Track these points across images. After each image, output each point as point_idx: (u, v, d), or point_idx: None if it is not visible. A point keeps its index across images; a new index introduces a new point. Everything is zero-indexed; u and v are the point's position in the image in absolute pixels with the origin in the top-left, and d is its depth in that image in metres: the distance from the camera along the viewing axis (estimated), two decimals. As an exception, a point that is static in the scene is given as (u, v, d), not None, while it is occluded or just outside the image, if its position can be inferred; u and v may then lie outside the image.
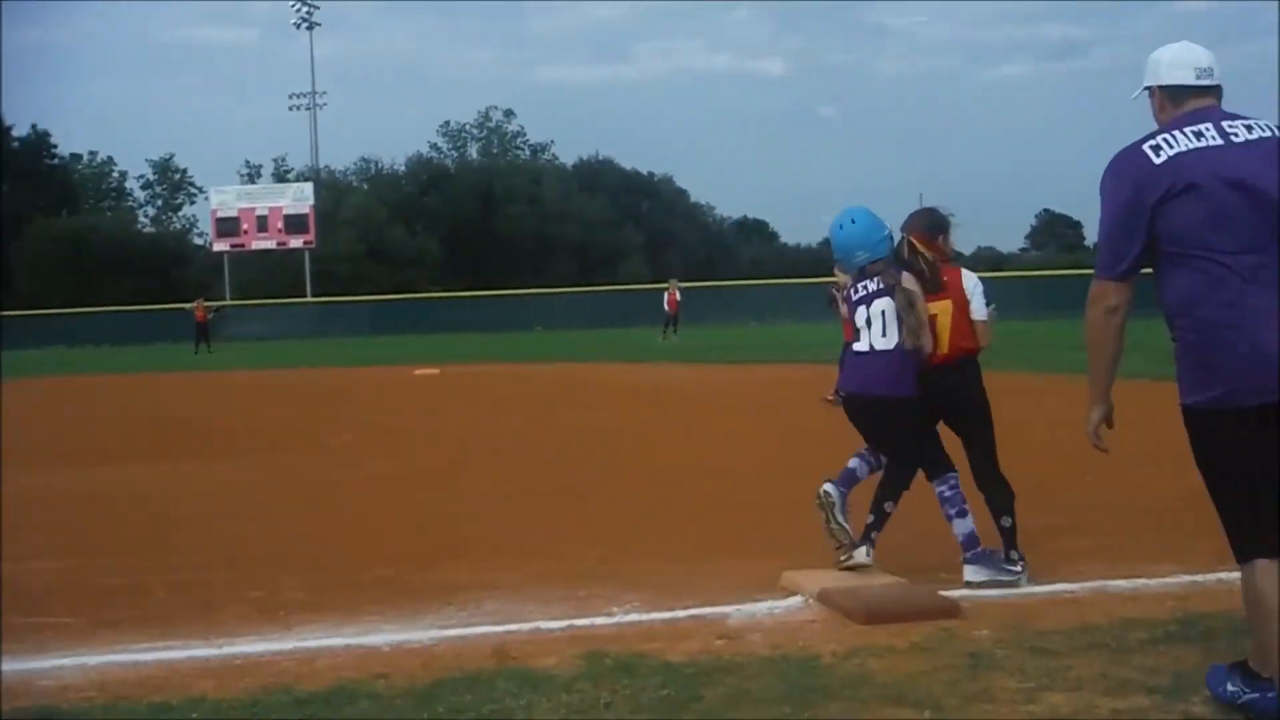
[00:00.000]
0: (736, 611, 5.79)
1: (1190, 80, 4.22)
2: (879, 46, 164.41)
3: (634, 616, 5.79)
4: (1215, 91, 4.25)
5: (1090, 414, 4.38)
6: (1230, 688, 4.15)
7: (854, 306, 6.42)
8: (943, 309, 6.27)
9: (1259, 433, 3.93)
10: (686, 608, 5.89)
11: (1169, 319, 4.12)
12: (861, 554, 6.27)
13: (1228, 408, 3.95)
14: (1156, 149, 4.11)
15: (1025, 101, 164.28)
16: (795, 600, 5.95)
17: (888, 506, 6.37)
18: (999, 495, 6.27)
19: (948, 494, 6.26)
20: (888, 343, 6.23)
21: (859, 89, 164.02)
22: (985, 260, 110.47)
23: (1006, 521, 6.23)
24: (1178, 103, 4.25)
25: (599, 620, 5.75)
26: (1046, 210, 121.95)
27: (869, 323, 6.31)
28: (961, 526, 6.23)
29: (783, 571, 6.33)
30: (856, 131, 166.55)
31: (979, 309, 6.34)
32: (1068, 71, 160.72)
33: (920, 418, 6.34)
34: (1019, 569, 6.15)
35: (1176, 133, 4.13)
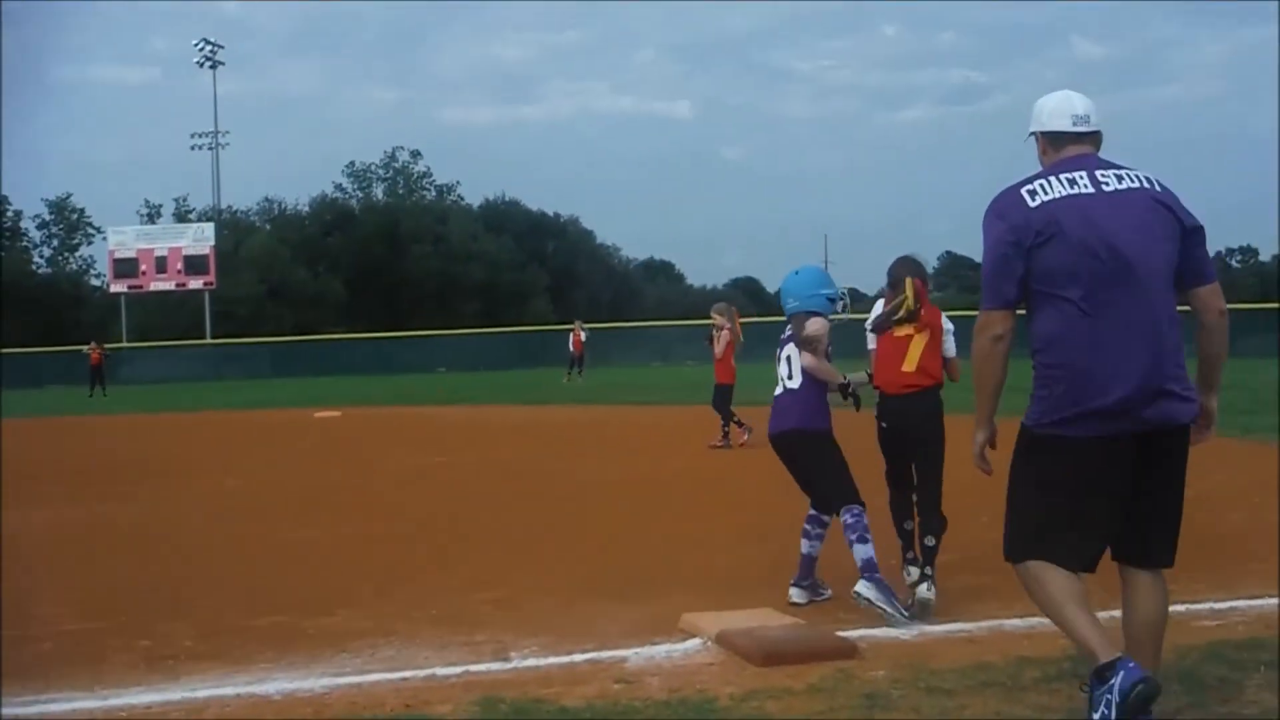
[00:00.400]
0: (635, 655, 5.76)
1: (1068, 127, 4.54)
2: (784, 89, 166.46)
3: (531, 661, 5.74)
4: (1094, 138, 4.58)
5: (975, 436, 4.65)
6: (1102, 710, 4.11)
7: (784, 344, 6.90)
8: (919, 337, 6.74)
9: (1099, 462, 4.26)
10: (584, 651, 5.85)
11: (1032, 351, 4.41)
12: (924, 590, 6.44)
13: (1067, 436, 4.28)
14: (1032, 193, 4.38)
15: (927, 144, 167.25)
16: (694, 642, 5.93)
17: (907, 524, 6.72)
18: (934, 521, 6.61)
19: (851, 521, 6.45)
20: (794, 383, 6.75)
21: (764, 131, 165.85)
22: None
23: (930, 541, 6.56)
24: (1058, 148, 4.55)
25: (495, 665, 5.68)
26: (948, 252, 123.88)
27: (782, 365, 6.85)
28: (862, 552, 6.37)
29: (682, 613, 6.31)
30: (762, 173, 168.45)
31: (950, 348, 6.89)
32: (969, 115, 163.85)
33: (833, 449, 6.68)
34: (907, 614, 6.24)
35: (1052, 178, 4.40)
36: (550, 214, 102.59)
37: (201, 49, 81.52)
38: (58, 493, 13.80)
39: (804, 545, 6.78)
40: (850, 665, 5.42)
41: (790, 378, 6.76)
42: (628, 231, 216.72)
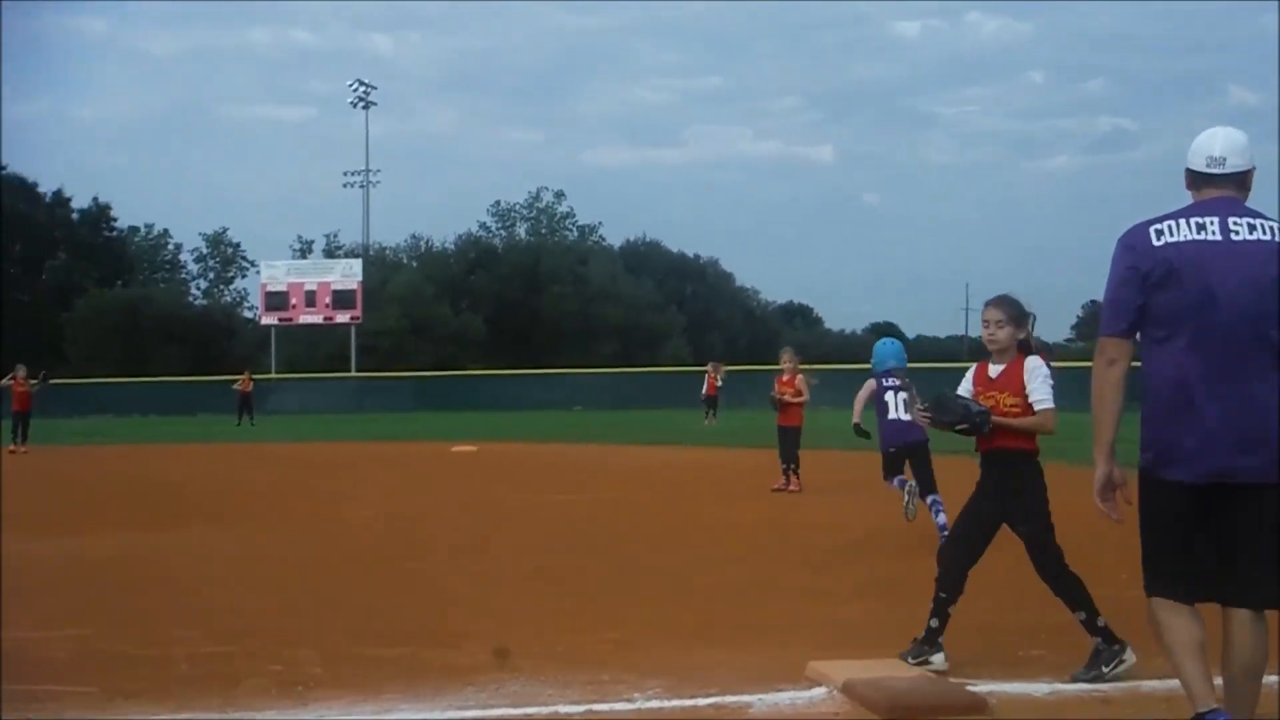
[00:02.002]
0: (759, 701, 5.71)
1: (1202, 168, 4.52)
2: (927, 136, 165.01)
3: (654, 703, 5.71)
4: (1238, 180, 4.52)
5: (1096, 472, 4.67)
6: None
7: (884, 391, 11.17)
8: (1004, 395, 6.48)
9: (1190, 504, 4.45)
10: (708, 695, 5.80)
11: (1144, 388, 4.52)
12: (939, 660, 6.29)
13: (1170, 478, 4.46)
14: (1159, 232, 4.46)
15: (1072, 193, 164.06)
16: (819, 691, 5.85)
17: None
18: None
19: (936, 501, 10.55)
20: (901, 414, 10.55)
21: (905, 177, 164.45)
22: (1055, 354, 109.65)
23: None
24: (1198, 187, 4.60)
25: (619, 706, 5.67)
26: (1093, 301, 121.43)
27: (896, 404, 10.84)
28: (943, 519, 10.01)
29: (808, 661, 6.23)
30: (902, 219, 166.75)
31: (1036, 396, 6.43)
32: (1117, 163, 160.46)
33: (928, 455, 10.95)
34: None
35: (1182, 221, 4.46)
36: (690, 255, 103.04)
37: (355, 89, 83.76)
38: (199, 516, 14.18)
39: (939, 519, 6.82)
40: (979, 720, 5.30)
41: (900, 409, 10.64)
42: (767, 275, 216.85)
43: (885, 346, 11.60)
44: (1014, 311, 6.51)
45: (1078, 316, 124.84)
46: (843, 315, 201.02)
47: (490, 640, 7.07)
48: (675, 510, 14.45)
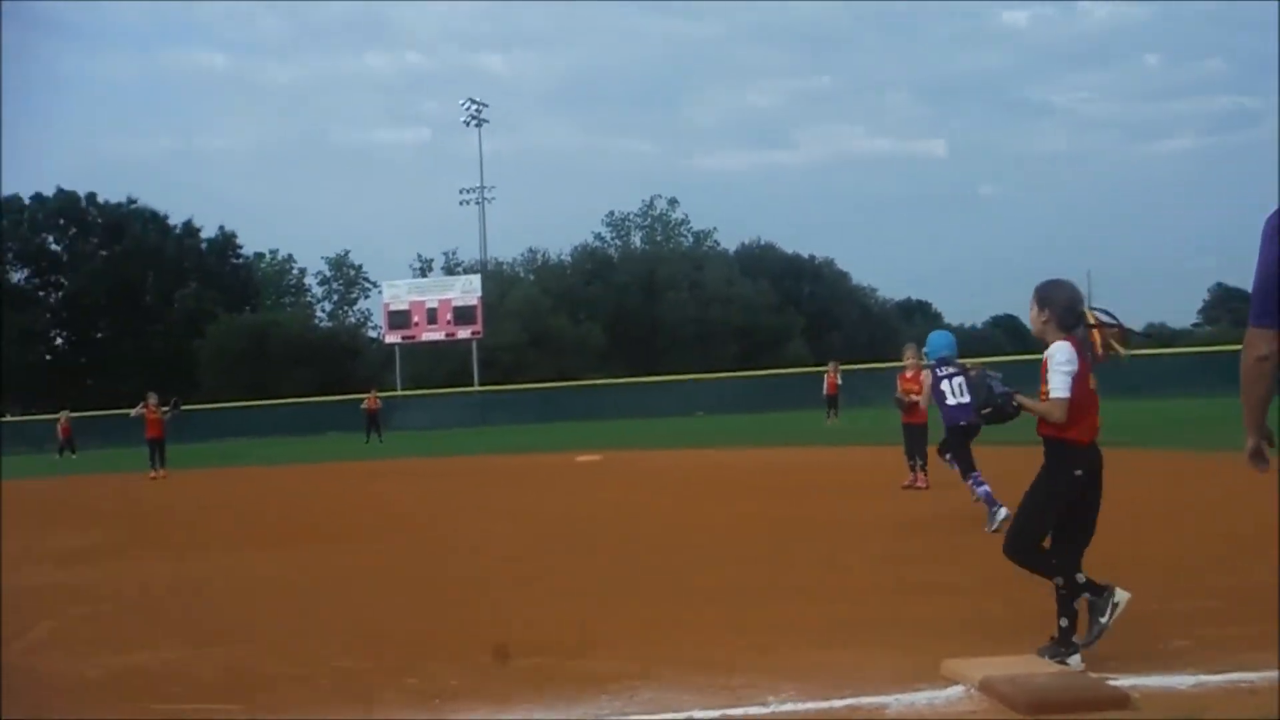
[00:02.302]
0: (895, 701, 5.66)
1: None
2: (1041, 125, 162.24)
3: (789, 706, 5.69)
4: None
5: (1247, 444, 4.56)
6: None
7: (939, 380, 12.54)
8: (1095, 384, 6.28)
9: None
10: (843, 697, 5.77)
11: None
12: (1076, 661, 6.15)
13: None
14: None
15: (1194, 174, 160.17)
16: (956, 690, 5.78)
17: (1080, 577, 6.23)
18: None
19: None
20: (964, 398, 11.83)
21: (1021, 167, 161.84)
22: (1156, 336, 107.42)
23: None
24: None
25: (754, 710, 5.66)
26: (1220, 284, 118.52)
27: (954, 389, 12.26)
28: (982, 490, 11.75)
29: (943, 660, 6.16)
30: (1018, 210, 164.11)
31: (1054, 387, 6.22)
32: (1237, 143, 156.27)
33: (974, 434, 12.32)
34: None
35: None
36: (806, 256, 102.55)
37: (468, 108, 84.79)
38: (334, 535, 14.45)
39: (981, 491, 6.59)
40: (1122, 716, 5.20)
41: (961, 393, 11.98)
42: (884, 272, 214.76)
43: (938, 338, 12.93)
44: (1040, 294, 6.36)
45: (1204, 300, 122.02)
46: (962, 309, 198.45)
47: (623, 647, 7.10)
48: (801, 510, 14.37)
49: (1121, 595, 6.03)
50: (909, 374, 16.13)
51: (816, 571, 9.77)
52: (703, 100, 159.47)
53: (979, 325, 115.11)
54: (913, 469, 15.90)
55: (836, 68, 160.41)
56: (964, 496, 14.60)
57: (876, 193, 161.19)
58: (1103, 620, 6.03)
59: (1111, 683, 5.70)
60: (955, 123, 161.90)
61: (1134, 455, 18.55)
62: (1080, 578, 6.07)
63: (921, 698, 5.71)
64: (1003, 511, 11.05)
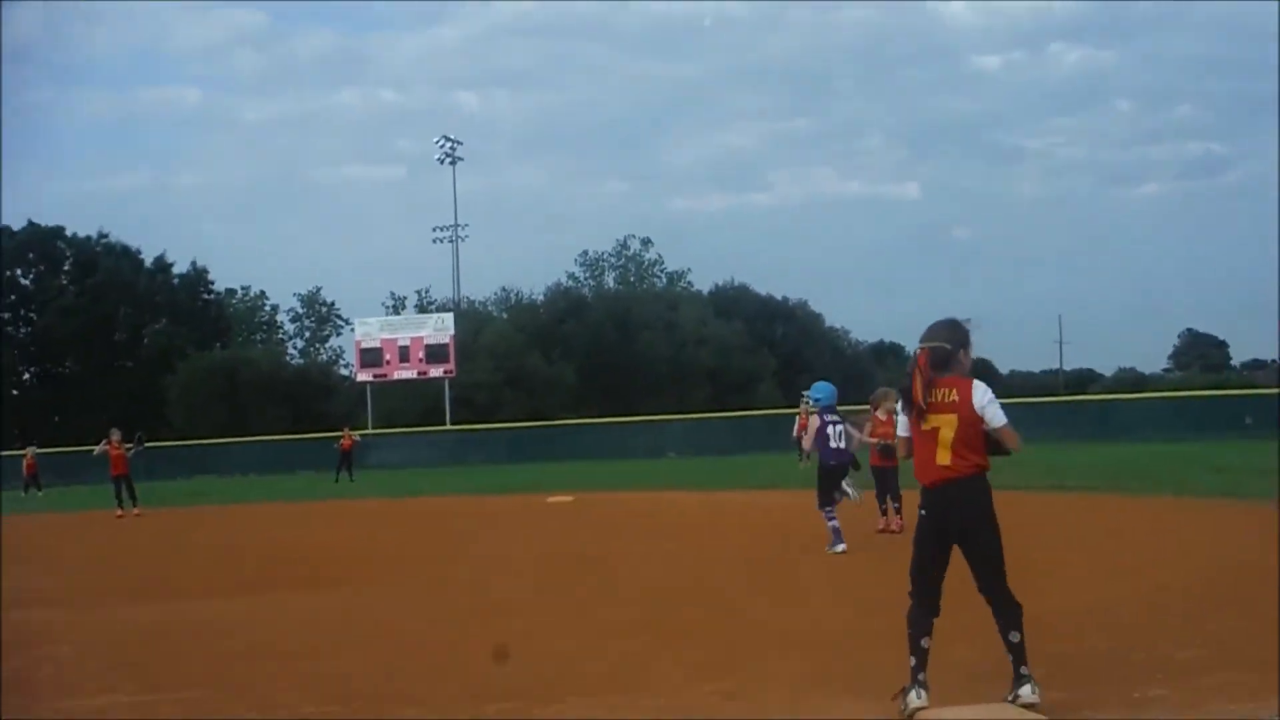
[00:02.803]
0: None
1: None
2: (1014, 169, 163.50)
3: (761, 756, 5.61)
4: None
5: None
6: None
7: (825, 425, 14.31)
8: (946, 422, 6.31)
9: None
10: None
11: None
12: (1027, 692, 6.19)
13: None
14: None
15: (1166, 219, 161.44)
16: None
17: (924, 642, 6.41)
18: (1007, 611, 6.33)
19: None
20: (840, 443, 14.21)
21: (994, 210, 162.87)
22: (1126, 381, 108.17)
23: (1015, 637, 6.25)
24: None
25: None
26: (1190, 330, 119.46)
27: (835, 436, 14.28)
28: (832, 524, 13.86)
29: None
30: (992, 253, 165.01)
31: (996, 417, 6.33)
32: (1209, 189, 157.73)
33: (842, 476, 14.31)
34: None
35: None
36: (779, 298, 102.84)
37: (442, 145, 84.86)
38: (302, 579, 14.30)
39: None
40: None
41: (839, 439, 14.30)
42: (857, 315, 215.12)
43: (824, 388, 14.74)
44: (963, 335, 6.56)
45: (1174, 345, 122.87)
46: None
47: (596, 694, 7.00)
48: (774, 556, 14.31)
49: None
50: (884, 418, 16.09)
51: (789, 617, 9.71)
52: (678, 141, 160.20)
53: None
54: (884, 512, 15.89)
55: (813, 110, 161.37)
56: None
57: (851, 235, 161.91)
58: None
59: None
60: (929, 166, 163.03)
61: (1108, 500, 18.59)
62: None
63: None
64: (840, 547, 13.60)
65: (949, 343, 6.44)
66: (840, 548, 13.55)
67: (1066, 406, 57.42)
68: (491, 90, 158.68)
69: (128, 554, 18.76)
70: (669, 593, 11.61)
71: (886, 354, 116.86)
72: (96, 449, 29.69)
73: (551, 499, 26.62)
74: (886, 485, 15.99)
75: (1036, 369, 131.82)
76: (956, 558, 6.29)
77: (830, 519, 13.99)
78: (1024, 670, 6.17)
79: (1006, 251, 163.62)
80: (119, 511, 27.77)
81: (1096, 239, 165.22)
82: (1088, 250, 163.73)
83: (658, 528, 18.91)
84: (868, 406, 16.49)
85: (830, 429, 14.28)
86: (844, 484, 14.37)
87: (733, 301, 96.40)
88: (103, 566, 16.95)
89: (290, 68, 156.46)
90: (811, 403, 15.42)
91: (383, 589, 13.01)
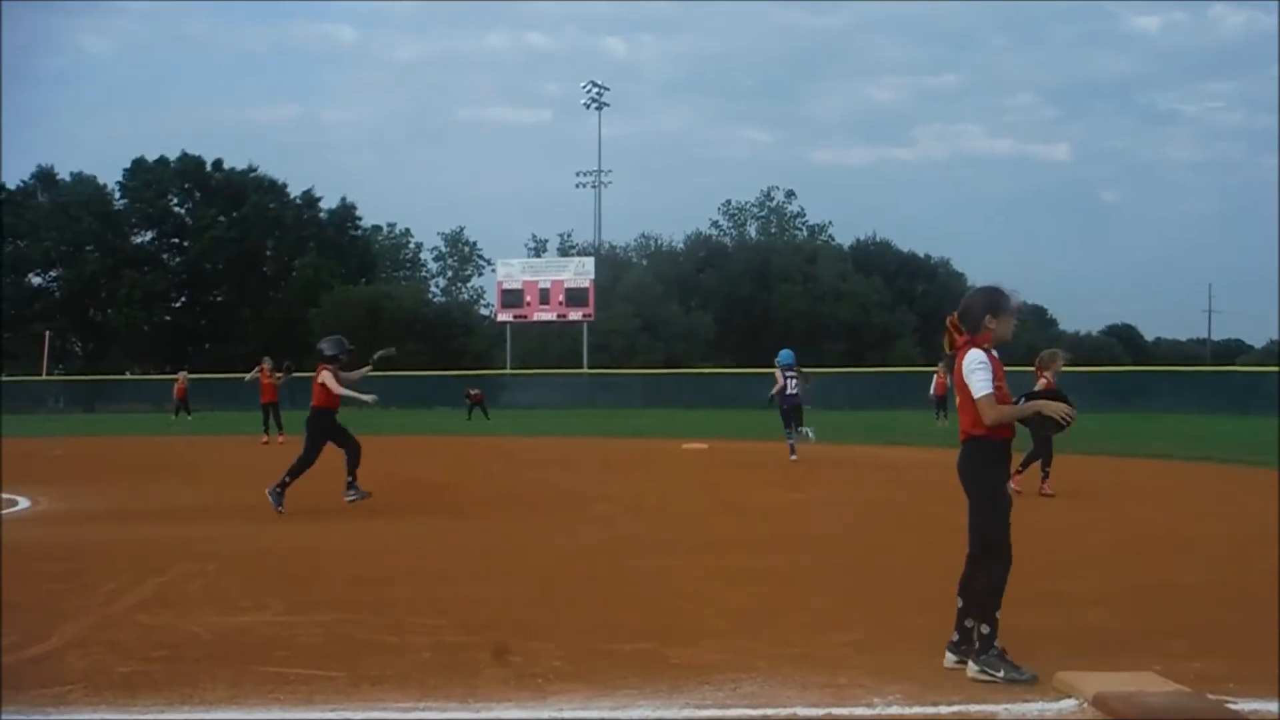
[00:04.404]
0: (1004, 711, 5.53)
1: None
2: (1168, 132, 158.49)
3: (895, 709, 5.58)
4: None
5: None
6: None
7: (786, 380, 22.18)
8: (959, 385, 6.46)
9: None
10: (951, 703, 5.64)
11: None
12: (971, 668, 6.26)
13: None
14: None
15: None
16: (1069, 703, 5.63)
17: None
18: (968, 590, 6.44)
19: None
20: (793, 391, 22.21)
21: (1145, 174, 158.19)
22: (1276, 353, 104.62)
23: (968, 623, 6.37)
24: None
25: (859, 710, 5.56)
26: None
27: (789, 385, 22.14)
28: (791, 442, 21.86)
29: (1056, 671, 5.99)
30: (1141, 218, 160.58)
31: (973, 386, 6.34)
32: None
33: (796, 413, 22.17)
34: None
35: None
36: (921, 255, 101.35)
37: (589, 90, 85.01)
38: (442, 509, 14.56)
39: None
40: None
41: (793, 387, 22.37)
42: (1000, 274, 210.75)
43: (785, 355, 22.86)
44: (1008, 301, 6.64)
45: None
46: (1078, 316, 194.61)
47: (727, 639, 7.01)
48: (910, 511, 14.18)
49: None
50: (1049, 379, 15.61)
51: (929, 575, 9.59)
52: (824, 93, 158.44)
53: (1094, 333, 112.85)
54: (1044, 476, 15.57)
55: (962, 66, 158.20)
56: (1086, 506, 14.36)
57: (997, 194, 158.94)
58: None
59: (1230, 705, 5.50)
60: (1080, 126, 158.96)
61: (1254, 474, 18.11)
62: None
63: (1032, 709, 5.56)
64: (793, 458, 21.56)
65: (979, 307, 6.50)
66: (793, 458, 21.56)
67: (1213, 377, 55.80)
68: (639, 36, 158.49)
69: (271, 478, 19.25)
70: (800, 541, 11.58)
71: (1027, 315, 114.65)
72: (249, 376, 30.43)
73: (686, 445, 26.70)
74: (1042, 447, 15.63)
75: (1183, 338, 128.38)
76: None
77: (790, 439, 22.21)
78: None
79: (1157, 216, 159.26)
80: (264, 438, 28.52)
81: (1249, 207, 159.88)
82: (1240, 218, 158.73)
83: (790, 478, 18.84)
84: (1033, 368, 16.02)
85: (788, 381, 22.34)
86: (805, 428, 23.28)
87: (873, 257, 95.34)
88: (247, 488, 17.41)
89: (443, 8, 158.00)
90: (779, 364, 22.69)
91: (517, 524, 13.16)
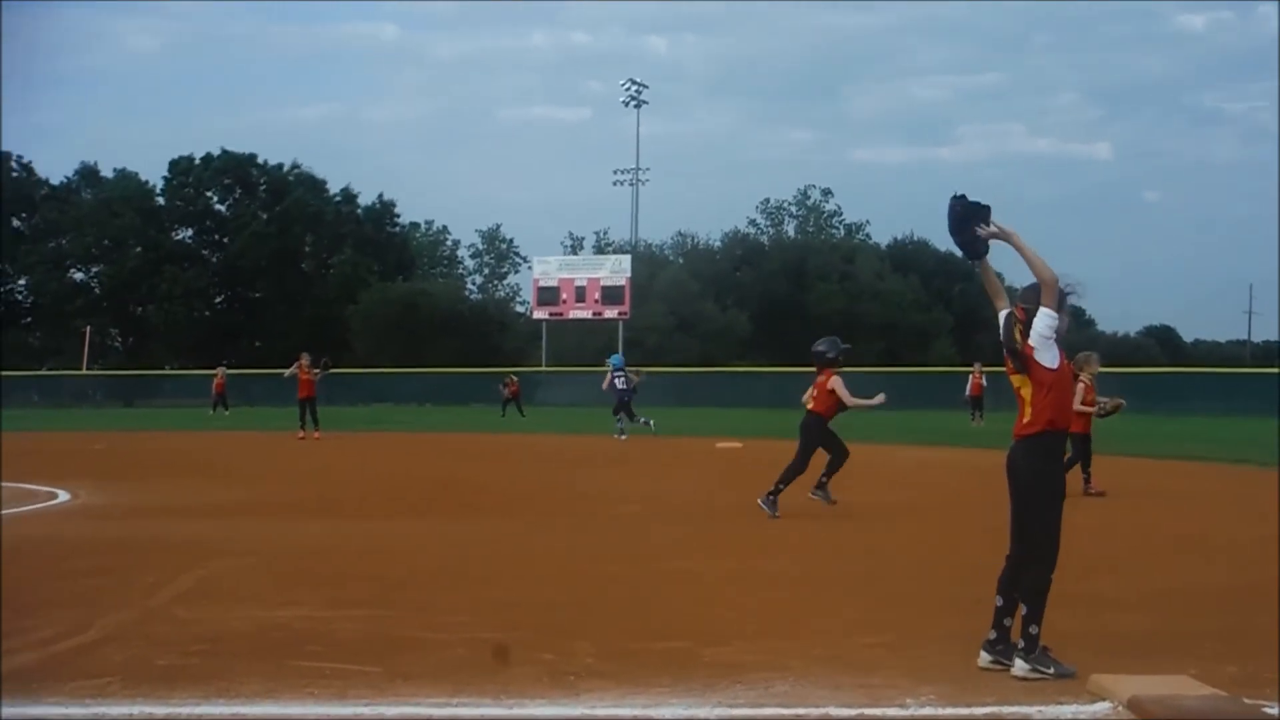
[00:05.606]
0: (1038, 713, 5.51)
1: None
2: (1213, 132, 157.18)
3: (928, 710, 5.58)
4: None
5: None
6: None
7: (615, 377, 29.77)
8: (1021, 381, 6.39)
9: None
10: (985, 705, 5.63)
11: None
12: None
13: None
14: None
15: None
16: (1102, 706, 5.62)
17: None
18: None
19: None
20: (623, 386, 29.64)
21: (1189, 175, 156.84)
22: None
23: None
24: None
25: (892, 711, 5.56)
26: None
27: (614, 381, 29.80)
28: (619, 426, 28.76)
29: (1090, 674, 5.97)
30: (1183, 219, 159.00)
31: (1041, 357, 6.39)
32: None
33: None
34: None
35: None
36: (959, 255, 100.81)
37: (628, 88, 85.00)
38: (476, 508, 14.62)
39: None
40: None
41: (624, 384, 29.32)
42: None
43: (616, 359, 30.25)
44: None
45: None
46: (1116, 317, 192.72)
47: (758, 639, 7.02)
48: (945, 512, 14.14)
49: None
50: (1086, 382, 15.55)
51: (961, 575, 9.56)
52: (864, 92, 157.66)
53: (1132, 334, 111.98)
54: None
55: (1004, 65, 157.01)
56: (1119, 507, 14.29)
57: (1036, 193, 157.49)
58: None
59: (1267, 709, 5.47)
60: (1123, 126, 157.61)
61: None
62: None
63: (1066, 711, 5.55)
64: (622, 437, 27.71)
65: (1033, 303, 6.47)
66: (622, 438, 28.10)
67: (1253, 378, 55.32)
68: (681, 35, 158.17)
69: (309, 474, 19.38)
70: (831, 544, 11.57)
71: (1077, 316, 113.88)
72: (287, 372, 30.56)
73: (720, 444, 26.67)
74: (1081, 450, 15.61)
75: (1223, 339, 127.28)
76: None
77: (620, 423, 28.67)
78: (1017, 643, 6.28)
79: (1198, 217, 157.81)
80: (300, 433, 28.68)
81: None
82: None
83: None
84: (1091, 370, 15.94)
85: (618, 380, 28.97)
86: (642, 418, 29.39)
87: (911, 256, 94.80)
88: (284, 484, 17.55)
89: (485, 7, 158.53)
90: (611, 365, 29.60)
91: (548, 522, 13.20)
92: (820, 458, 13.96)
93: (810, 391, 14.04)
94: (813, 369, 14.48)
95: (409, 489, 15.39)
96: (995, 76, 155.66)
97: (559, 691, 5.84)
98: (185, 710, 5.51)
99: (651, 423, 29.72)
